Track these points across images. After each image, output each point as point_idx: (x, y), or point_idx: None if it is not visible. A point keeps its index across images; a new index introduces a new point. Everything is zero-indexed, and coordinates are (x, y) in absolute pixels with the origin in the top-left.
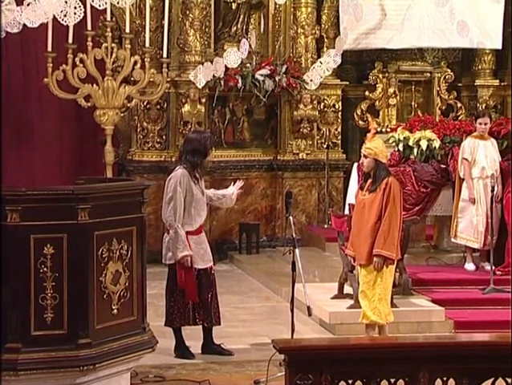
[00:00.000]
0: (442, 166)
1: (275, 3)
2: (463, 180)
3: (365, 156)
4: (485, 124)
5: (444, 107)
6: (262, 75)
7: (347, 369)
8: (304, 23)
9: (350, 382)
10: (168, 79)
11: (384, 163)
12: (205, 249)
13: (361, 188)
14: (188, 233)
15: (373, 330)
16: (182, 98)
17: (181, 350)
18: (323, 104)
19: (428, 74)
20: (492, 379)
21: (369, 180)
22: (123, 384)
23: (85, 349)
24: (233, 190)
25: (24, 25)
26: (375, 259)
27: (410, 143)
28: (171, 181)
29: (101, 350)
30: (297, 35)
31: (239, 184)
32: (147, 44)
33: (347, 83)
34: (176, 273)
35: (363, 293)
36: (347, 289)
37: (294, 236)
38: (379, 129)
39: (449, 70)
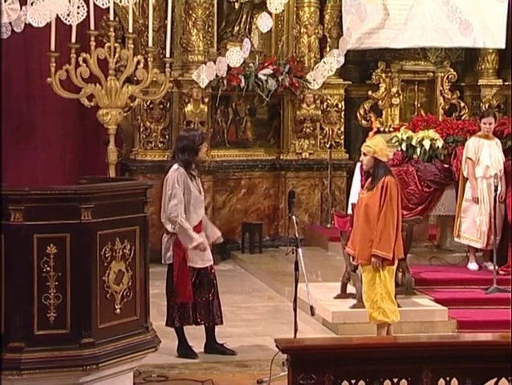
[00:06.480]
0: (445, 166)
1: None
2: (467, 179)
3: (364, 154)
4: (490, 124)
5: (447, 107)
6: (264, 75)
7: (349, 369)
8: (307, 23)
9: (353, 381)
10: (171, 79)
11: (383, 161)
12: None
13: (362, 186)
14: None
15: (383, 328)
16: (185, 97)
17: (184, 350)
18: (325, 104)
19: (431, 74)
20: (495, 379)
21: (369, 179)
22: (126, 384)
23: (88, 348)
24: (219, 234)
25: (26, 24)
26: (372, 259)
27: (413, 143)
28: (169, 180)
29: (104, 350)
30: (300, 35)
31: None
32: (150, 44)
33: (350, 82)
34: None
35: (366, 294)
36: (350, 289)
37: (296, 235)
38: (381, 129)
39: (452, 70)
